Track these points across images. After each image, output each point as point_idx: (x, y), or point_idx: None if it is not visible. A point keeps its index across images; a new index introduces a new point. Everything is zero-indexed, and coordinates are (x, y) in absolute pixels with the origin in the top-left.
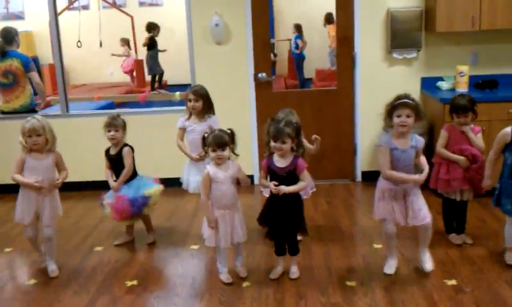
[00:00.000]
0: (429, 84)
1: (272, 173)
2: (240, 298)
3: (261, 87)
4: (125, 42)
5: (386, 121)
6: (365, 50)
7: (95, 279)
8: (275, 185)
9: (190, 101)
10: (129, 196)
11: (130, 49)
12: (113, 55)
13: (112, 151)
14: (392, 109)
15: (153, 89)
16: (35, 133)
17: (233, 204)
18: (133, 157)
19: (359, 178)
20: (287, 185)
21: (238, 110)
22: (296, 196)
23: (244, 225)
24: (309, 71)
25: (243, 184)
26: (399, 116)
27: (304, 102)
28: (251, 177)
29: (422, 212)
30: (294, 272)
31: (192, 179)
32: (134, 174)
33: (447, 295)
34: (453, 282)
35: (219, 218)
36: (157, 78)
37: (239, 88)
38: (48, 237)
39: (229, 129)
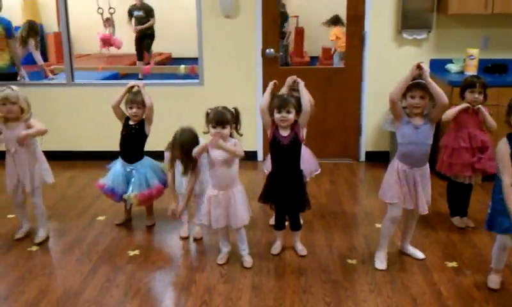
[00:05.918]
0: (438, 66)
1: (275, 142)
2: (242, 271)
3: (268, 62)
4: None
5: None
6: (374, 30)
7: (97, 247)
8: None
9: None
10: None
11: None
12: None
13: (132, 123)
14: (406, 89)
15: None
16: (9, 102)
17: (229, 186)
18: None
19: (363, 158)
20: (291, 154)
21: (244, 85)
22: (298, 173)
23: (244, 209)
24: (316, 49)
25: (233, 155)
26: (412, 97)
27: (311, 79)
28: (254, 153)
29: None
30: (301, 248)
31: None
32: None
33: (447, 276)
34: (454, 264)
35: (212, 198)
36: None
37: (247, 63)
38: (34, 205)
39: (234, 108)
